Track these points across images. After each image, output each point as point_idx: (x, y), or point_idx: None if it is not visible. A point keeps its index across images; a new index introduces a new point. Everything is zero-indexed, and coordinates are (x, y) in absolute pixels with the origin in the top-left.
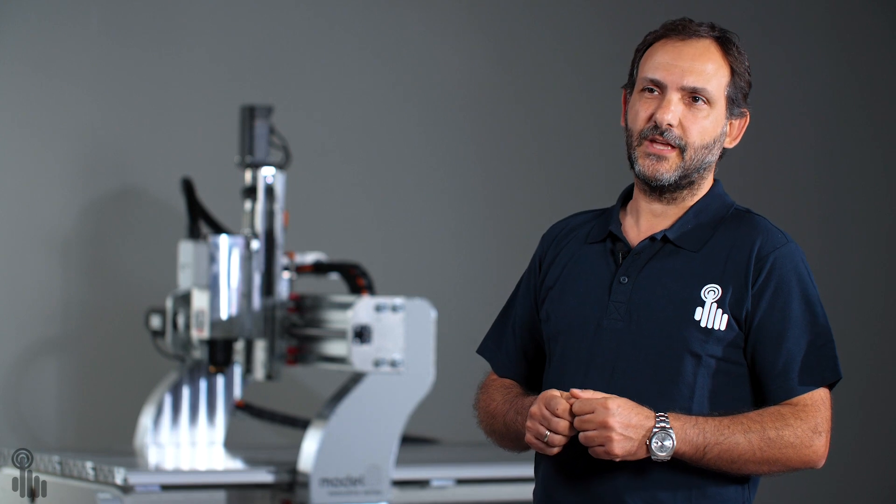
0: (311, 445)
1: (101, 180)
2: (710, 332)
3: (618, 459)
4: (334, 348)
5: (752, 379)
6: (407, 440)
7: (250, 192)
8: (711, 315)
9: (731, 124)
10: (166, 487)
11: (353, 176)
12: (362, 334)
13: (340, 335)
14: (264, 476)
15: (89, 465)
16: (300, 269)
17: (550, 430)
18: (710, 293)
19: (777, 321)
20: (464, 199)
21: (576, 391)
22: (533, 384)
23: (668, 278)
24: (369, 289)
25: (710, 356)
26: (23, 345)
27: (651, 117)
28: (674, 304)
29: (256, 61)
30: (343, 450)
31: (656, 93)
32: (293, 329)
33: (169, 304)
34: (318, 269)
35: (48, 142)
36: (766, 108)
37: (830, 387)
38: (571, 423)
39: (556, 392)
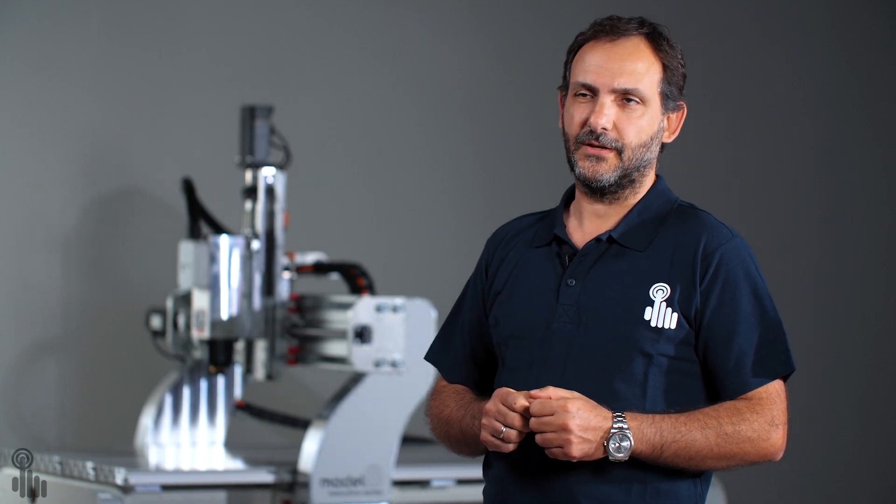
0: (311, 445)
1: (102, 180)
2: (660, 331)
3: (575, 461)
4: (335, 348)
5: (704, 375)
6: (407, 440)
7: (251, 192)
8: (661, 314)
9: (668, 119)
10: (166, 487)
11: (353, 176)
12: (363, 334)
13: (341, 335)
14: (264, 476)
15: (89, 465)
16: (300, 269)
17: (506, 426)
18: (659, 292)
19: (727, 317)
20: (464, 199)
21: (534, 392)
22: (484, 389)
23: (616, 279)
24: (369, 289)
25: (661, 355)
26: (23, 345)
27: (585, 122)
28: (623, 305)
29: (256, 61)
30: (343, 450)
31: (589, 96)
32: (293, 329)
33: (169, 304)
34: (319, 269)
35: (48, 142)
36: (767, 108)
37: (784, 379)
38: (527, 418)
39: (511, 389)
